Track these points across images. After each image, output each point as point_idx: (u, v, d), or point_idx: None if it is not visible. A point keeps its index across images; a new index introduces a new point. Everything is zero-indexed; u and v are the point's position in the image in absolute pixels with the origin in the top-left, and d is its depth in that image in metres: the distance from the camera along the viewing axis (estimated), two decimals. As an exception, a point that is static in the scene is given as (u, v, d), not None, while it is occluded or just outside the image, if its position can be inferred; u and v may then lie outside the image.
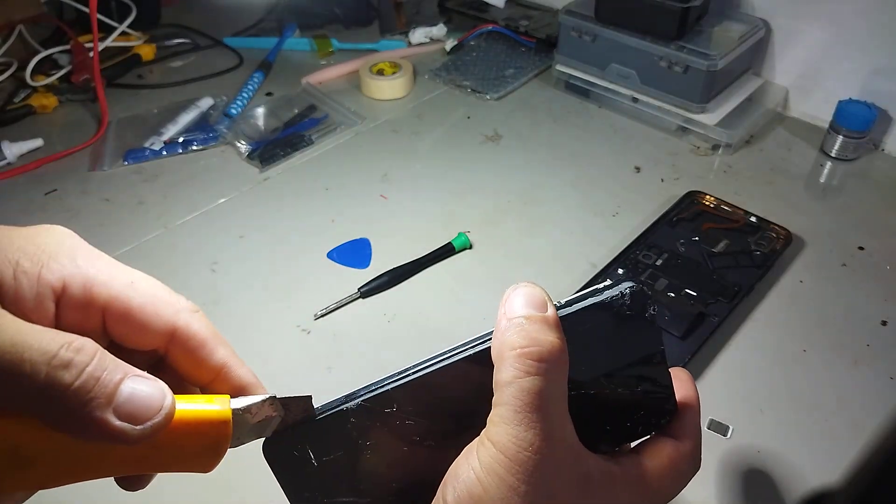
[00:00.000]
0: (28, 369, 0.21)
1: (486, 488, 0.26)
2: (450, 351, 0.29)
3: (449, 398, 0.29)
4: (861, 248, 0.59)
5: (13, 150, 0.69)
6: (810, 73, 0.73)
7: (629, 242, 0.58)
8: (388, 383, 0.29)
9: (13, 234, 0.25)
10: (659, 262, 0.56)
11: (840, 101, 0.68)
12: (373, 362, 0.50)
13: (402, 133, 0.74)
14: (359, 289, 0.54)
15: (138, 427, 0.23)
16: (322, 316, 0.53)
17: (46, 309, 0.25)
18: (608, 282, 0.29)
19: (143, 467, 0.25)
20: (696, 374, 0.48)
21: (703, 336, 0.50)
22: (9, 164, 0.69)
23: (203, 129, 0.72)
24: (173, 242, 0.61)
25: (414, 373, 0.29)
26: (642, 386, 0.30)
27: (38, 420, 0.22)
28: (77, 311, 0.25)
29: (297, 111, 0.76)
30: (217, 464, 0.26)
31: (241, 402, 0.26)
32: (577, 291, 0.29)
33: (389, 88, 0.79)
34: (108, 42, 0.82)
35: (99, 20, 0.79)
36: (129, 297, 0.26)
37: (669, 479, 0.31)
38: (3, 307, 0.22)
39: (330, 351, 0.51)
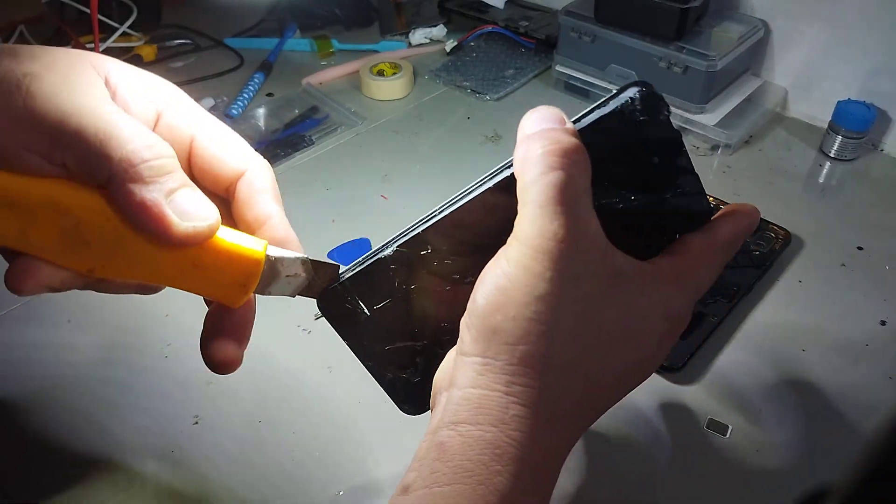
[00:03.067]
0: (114, 147, 0.25)
1: (512, 279, 0.26)
2: (474, 185, 0.29)
3: (480, 232, 0.29)
4: (860, 248, 0.59)
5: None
6: (809, 73, 0.74)
7: (629, 242, 0.58)
8: (419, 226, 0.30)
9: (127, 66, 0.29)
10: (658, 262, 0.56)
11: (839, 102, 0.68)
12: (373, 362, 0.50)
13: (403, 133, 0.74)
14: (359, 289, 0.55)
15: (185, 223, 0.27)
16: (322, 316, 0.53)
17: (148, 120, 0.29)
18: (614, 90, 0.28)
19: (180, 281, 0.28)
20: (694, 374, 0.49)
21: (701, 336, 0.50)
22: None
23: (204, 130, 0.73)
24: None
25: (441, 212, 0.29)
26: (670, 190, 0.29)
27: (100, 204, 0.26)
28: (170, 132, 0.29)
29: (297, 112, 0.77)
30: (244, 300, 0.29)
31: (277, 252, 0.29)
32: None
33: (390, 89, 0.79)
34: (109, 43, 0.82)
35: (100, 21, 0.79)
36: (211, 134, 0.30)
37: (702, 271, 0.30)
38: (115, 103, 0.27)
39: (330, 351, 0.51)
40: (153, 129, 0.29)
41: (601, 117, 0.28)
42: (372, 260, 0.30)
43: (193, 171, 0.30)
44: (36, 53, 0.26)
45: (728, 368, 0.49)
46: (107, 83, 0.27)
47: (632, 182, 0.29)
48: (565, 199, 0.26)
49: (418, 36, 0.89)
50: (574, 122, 0.28)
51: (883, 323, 0.52)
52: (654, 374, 0.48)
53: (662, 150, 0.29)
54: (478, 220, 0.29)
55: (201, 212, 0.27)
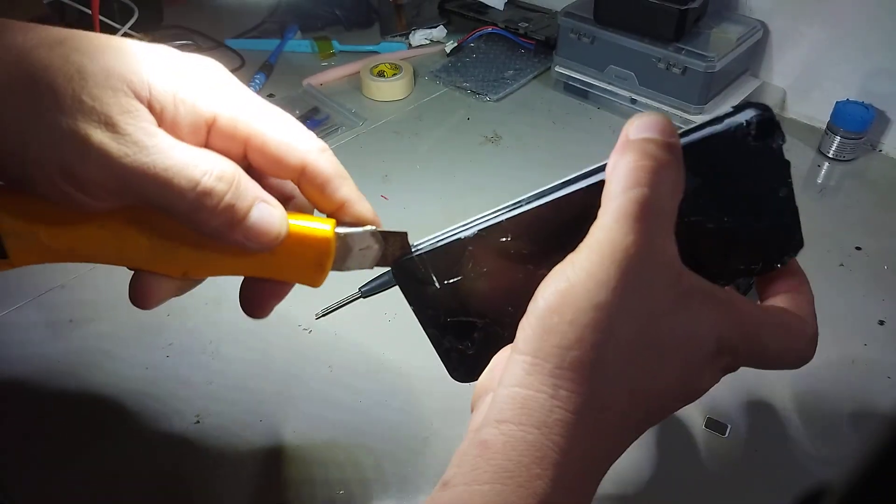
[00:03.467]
0: (177, 190, 0.26)
1: (574, 283, 0.26)
2: (564, 181, 0.29)
3: (563, 229, 0.29)
4: (858, 249, 0.59)
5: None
6: (808, 74, 0.74)
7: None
8: (503, 213, 0.30)
9: (170, 65, 0.28)
10: (657, 262, 0.56)
11: (837, 102, 0.68)
12: (373, 362, 0.50)
13: (403, 134, 0.75)
14: (359, 288, 0.55)
15: (254, 244, 0.28)
16: (323, 315, 0.54)
17: (199, 135, 0.28)
18: (730, 109, 0.28)
19: (262, 270, 0.31)
20: (694, 373, 0.49)
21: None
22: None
23: (205, 131, 0.73)
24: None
25: (527, 203, 0.30)
26: (765, 220, 0.29)
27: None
28: (223, 140, 0.29)
29: (298, 113, 0.77)
30: (323, 279, 0.31)
31: (346, 229, 0.31)
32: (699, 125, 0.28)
33: (390, 90, 0.80)
34: (110, 44, 0.83)
35: (101, 21, 0.79)
36: (265, 135, 0.29)
37: (779, 344, 0.29)
38: (164, 128, 0.27)
39: (331, 350, 0.51)
40: (208, 139, 0.29)
41: (711, 135, 0.28)
42: (452, 238, 0.31)
43: (256, 162, 0.30)
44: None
45: (727, 368, 0.49)
46: (150, 108, 0.27)
47: (729, 205, 0.29)
48: (644, 216, 0.26)
49: (418, 37, 0.89)
50: (683, 134, 0.28)
51: (881, 323, 0.52)
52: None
53: (769, 177, 0.28)
54: (562, 218, 0.29)
55: (273, 223, 0.29)
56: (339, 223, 0.31)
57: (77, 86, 0.25)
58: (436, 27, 0.90)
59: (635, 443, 0.46)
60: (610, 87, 0.76)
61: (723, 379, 0.51)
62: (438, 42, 0.90)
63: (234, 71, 0.86)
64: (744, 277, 0.30)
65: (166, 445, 0.45)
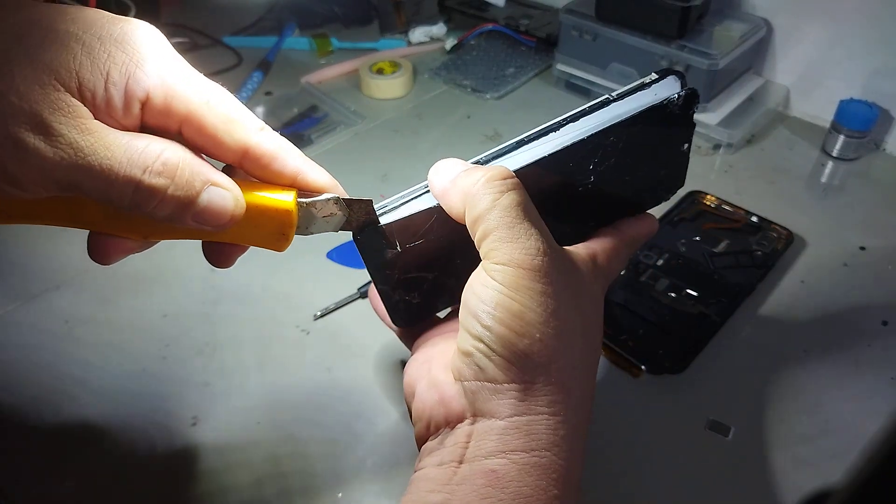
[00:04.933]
0: (119, 187, 0.25)
1: (521, 302, 0.28)
2: (519, 141, 0.34)
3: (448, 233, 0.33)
4: (862, 248, 0.59)
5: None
6: (811, 72, 0.73)
7: (630, 242, 0.58)
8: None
9: (104, 35, 0.26)
10: (660, 263, 0.56)
11: (841, 101, 0.68)
12: (373, 362, 0.50)
13: (403, 132, 0.74)
14: (359, 289, 0.54)
15: (208, 227, 0.28)
16: (322, 316, 0.53)
17: (134, 116, 0.27)
18: (654, 76, 0.34)
19: (225, 237, 0.31)
20: (696, 375, 0.48)
21: (704, 336, 0.50)
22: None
23: (202, 129, 0.72)
24: (173, 242, 0.60)
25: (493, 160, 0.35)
26: (668, 168, 0.36)
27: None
28: (159, 118, 0.28)
29: (296, 111, 0.76)
30: (286, 246, 0.31)
31: (308, 199, 0.31)
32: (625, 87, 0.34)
33: (389, 88, 0.79)
34: (107, 41, 0.82)
35: (98, 19, 0.79)
36: (203, 116, 0.28)
37: (615, 264, 0.35)
38: (97, 117, 0.25)
39: (330, 351, 0.51)
40: (143, 116, 0.27)
41: (650, 108, 0.33)
42: (420, 207, 0.33)
43: (193, 142, 0.29)
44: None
45: (730, 369, 0.49)
46: (81, 96, 0.25)
47: (646, 158, 0.35)
48: (527, 214, 0.29)
49: (418, 34, 0.89)
50: (616, 98, 0.33)
51: (885, 323, 0.52)
52: (655, 375, 0.48)
53: (678, 135, 0.35)
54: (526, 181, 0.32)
55: (225, 206, 0.28)
56: (301, 192, 0.31)
57: (4, 84, 0.23)
58: (436, 24, 0.89)
59: (636, 444, 0.46)
60: (612, 85, 0.75)
61: (725, 380, 0.50)
62: (438, 39, 0.89)
63: (231, 69, 0.86)
64: (638, 210, 0.37)
65: (163, 447, 0.44)
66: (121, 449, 0.44)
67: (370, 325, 0.53)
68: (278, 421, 0.46)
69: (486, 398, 0.28)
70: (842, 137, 0.68)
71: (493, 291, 0.28)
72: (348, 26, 0.93)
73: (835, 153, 0.69)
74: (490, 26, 0.88)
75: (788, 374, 0.48)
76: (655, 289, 0.54)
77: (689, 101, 0.33)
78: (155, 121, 0.28)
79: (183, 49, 0.87)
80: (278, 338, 0.52)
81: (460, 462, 0.27)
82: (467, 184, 0.30)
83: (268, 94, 0.79)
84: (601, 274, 0.33)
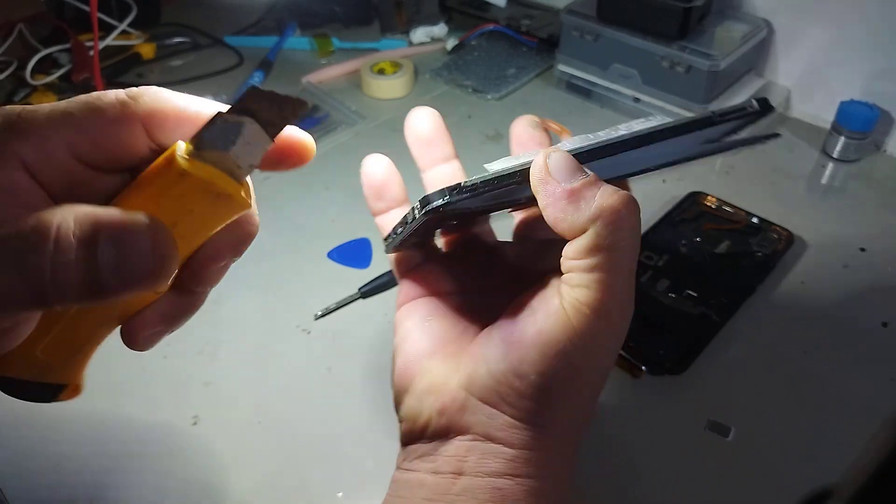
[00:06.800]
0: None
1: (585, 363, 0.27)
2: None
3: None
4: (862, 250, 0.59)
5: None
6: (812, 73, 0.73)
7: (630, 243, 0.58)
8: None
9: None
10: (660, 263, 0.56)
11: (842, 102, 0.68)
12: (373, 362, 0.50)
13: (403, 132, 0.74)
14: (359, 289, 0.54)
15: (118, 276, 0.21)
16: (322, 316, 0.53)
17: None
18: (755, 106, 0.33)
19: (182, 248, 0.25)
20: (697, 376, 0.48)
21: (704, 337, 0.50)
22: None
23: (203, 128, 0.72)
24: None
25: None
26: None
27: None
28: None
29: (297, 110, 0.76)
30: (244, 203, 0.25)
31: (195, 138, 0.23)
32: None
33: (390, 88, 0.79)
34: (109, 41, 0.82)
35: (99, 19, 0.79)
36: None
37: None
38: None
39: (330, 351, 0.51)
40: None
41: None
42: (489, 201, 0.30)
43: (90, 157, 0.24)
44: None
45: (730, 370, 0.49)
46: None
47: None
48: (633, 274, 0.28)
49: (419, 34, 0.89)
50: (720, 117, 0.32)
51: (885, 325, 0.52)
52: (655, 375, 0.48)
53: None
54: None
55: (144, 268, 0.21)
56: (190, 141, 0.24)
57: None
58: (437, 24, 0.89)
59: (636, 445, 0.46)
60: (613, 86, 0.75)
61: (725, 381, 0.50)
62: (439, 39, 0.89)
63: (232, 68, 0.86)
64: None
65: (164, 447, 0.44)
66: (121, 447, 0.44)
67: (371, 325, 0.53)
68: (278, 420, 0.46)
69: (500, 427, 0.28)
70: (842, 139, 0.68)
71: (562, 335, 0.26)
72: (349, 26, 0.93)
73: (835, 154, 0.69)
74: (491, 27, 0.88)
75: (788, 374, 0.49)
76: (656, 289, 0.54)
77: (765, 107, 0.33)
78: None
79: (184, 49, 0.88)
80: (279, 337, 0.52)
81: (459, 474, 0.27)
82: (606, 204, 0.26)
83: (269, 93, 0.79)
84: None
